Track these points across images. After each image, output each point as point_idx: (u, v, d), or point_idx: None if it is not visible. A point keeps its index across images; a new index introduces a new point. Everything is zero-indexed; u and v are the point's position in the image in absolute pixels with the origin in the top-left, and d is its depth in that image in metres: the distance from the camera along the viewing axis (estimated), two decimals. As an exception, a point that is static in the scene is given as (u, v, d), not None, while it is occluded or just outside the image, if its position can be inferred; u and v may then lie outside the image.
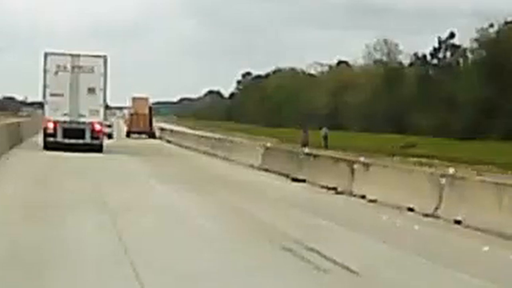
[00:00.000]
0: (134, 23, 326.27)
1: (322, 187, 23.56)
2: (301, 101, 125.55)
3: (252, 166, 32.40)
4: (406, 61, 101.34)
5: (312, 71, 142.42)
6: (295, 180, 26.22)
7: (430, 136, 79.16)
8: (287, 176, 27.49)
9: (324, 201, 21.00)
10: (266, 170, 30.39)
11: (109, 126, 55.65)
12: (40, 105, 43.52)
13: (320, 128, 70.99)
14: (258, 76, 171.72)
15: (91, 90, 38.21)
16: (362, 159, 22.03)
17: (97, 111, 38.38)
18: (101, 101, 38.75)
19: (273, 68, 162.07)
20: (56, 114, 38.02)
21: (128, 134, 64.62)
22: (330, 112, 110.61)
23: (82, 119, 38.13)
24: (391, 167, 20.65)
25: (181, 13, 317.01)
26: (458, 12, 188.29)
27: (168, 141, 58.53)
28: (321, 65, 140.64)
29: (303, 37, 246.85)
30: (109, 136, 52.87)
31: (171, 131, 64.35)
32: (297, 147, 48.08)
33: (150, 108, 65.32)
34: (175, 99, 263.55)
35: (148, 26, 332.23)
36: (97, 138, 38.26)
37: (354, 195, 21.28)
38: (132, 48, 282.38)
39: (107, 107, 41.47)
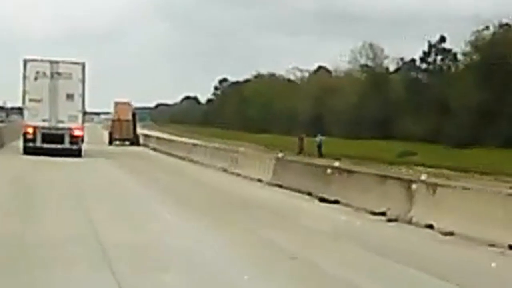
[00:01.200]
0: (109, 28, 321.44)
1: (364, 211, 18.76)
2: (282, 107, 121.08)
3: (260, 180, 27.55)
4: (391, 66, 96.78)
5: (292, 77, 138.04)
6: (323, 200, 21.38)
7: (419, 142, 74.63)
8: (309, 194, 22.68)
9: (381, 233, 16.11)
10: (280, 186, 25.53)
11: None
12: (19, 110, 44.51)
13: (315, 136, 66.19)
14: (236, 82, 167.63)
15: (70, 96, 38.55)
16: (423, 177, 17.14)
17: (76, 117, 38.80)
18: (80, 107, 39.08)
19: (250, 73, 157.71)
20: (35, 119, 38.17)
21: (110, 141, 59.49)
22: (314, 118, 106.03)
23: (61, 125, 38.47)
24: (473, 190, 15.69)
25: (154, 18, 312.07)
26: (427, 18, 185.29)
27: (154, 149, 53.51)
28: (301, 70, 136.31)
29: (276, 42, 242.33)
30: None
31: (157, 138, 59.13)
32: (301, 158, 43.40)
33: (133, 114, 60.18)
34: (151, 105, 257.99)
35: (123, 31, 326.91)
36: (76, 143, 38.51)
37: (415, 224, 16.49)
38: (107, 53, 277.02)
39: (84, 113, 41.31)
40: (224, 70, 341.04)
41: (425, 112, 79.58)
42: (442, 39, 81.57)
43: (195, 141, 45.98)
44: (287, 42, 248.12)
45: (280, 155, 27.72)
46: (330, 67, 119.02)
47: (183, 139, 56.27)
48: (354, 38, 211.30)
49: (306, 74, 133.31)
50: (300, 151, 64.25)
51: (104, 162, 38.37)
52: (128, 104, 60.93)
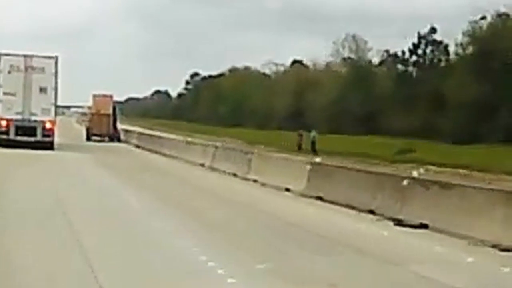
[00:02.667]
0: (80, 26, 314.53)
1: (475, 241, 12.89)
2: (257, 101, 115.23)
3: (290, 190, 21.57)
4: (375, 59, 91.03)
5: (267, 71, 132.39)
6: (400, 223, 15.45)
7: (410, 138, 68.91)
8: (371, 212, 16.80)
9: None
10: (320, 198, 19.60)
11: None
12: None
13: (310, 131, 60.22)
14: (209, 76, 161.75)
15: (43, 90, 38.47)
16: None
17: (49, 110, 38.63)
18: (53, 100, 38.95)
19: (224, 68, 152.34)
20: (9, 112, 37.96)
21: (88, 137, 53.11)
22: (293, 112, 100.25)
23: (34, 118, 38.22)
24: None
25: (125, 17, 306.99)
26: (391, 18, 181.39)
27: (137, 146, 47.25)
28: (276, 64, 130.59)
29: (245, 39, 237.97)
30: None
31: (140, 134, 52.58)
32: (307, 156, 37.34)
33: (114, 107, 53.74)
34: (121, 99, 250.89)
35: (94, 30, 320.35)
36: (48, 135, 38.24)
37: None
38: (78, 50, 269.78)
39: (56, 106, 40.60)
40: (195, 66, 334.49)
41: (416, 106, 73.90)
42: (433, 30, 75.89)
43: (188, 138, 39.71)
44: (255, 39, 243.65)
45: (317, 159, 21.64)
46: (306, 61, 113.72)
47: (172, 136, 49.78)
48: (318, 34, 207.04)
49: (281, 68, 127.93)
50: (299, 147, 58.20)
51: (88, 164, 32.31)
52: (109, 96, 54.49)
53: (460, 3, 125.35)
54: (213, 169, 29.65)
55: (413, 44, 76.81)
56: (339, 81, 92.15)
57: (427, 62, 75.88)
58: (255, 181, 24.65)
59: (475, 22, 66.22)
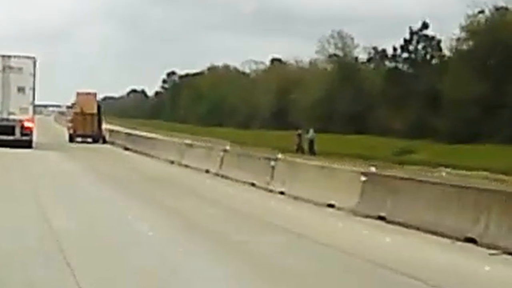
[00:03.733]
0: (58, 29, 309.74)
1: None
2: (238, 100, 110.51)
3: (335, 207, 16.99)
4: (362, 56, 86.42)
5: (246, 70, 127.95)
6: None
7: (402, 137, 64.59)
8: (469, 241, 12.25)
9: None
10: (382, 219, 15.05)
11: None
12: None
13: (307, 131, 55.43)
14: (187, 75, 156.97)
15: (21, 89, 38.25)
16: None
17: (27, 109, 38.34)
18: (31, 100, 38.62)
19: (203, 66, 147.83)
20: None
21: (71, 138, 48.07)
22: (277, 111, 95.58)
23: (12, 117, 37.91)
24: None
25: (103, 19, 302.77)
26: (353, 19, 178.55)
27: (126, 148, 42.30)
28: (256, 63, 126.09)
29: (219, 41, 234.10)
30: None
31: (128, 134, 47.36)
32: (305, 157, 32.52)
33: (99, 106, 48.71)
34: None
35: (71, 32, 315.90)
36: (26, 134, 37.84)
37: None
38: (56, 51, 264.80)
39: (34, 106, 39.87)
40: (171, 66, 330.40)
41: (409, 105, 69.46)
42: (425, 25, 71.37)
43: (186, 140, 34.83)
44: (230, 40, 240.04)
45: (372, 169, 16.95)
46: (288, 59, 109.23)
47: (166, 137, 44.67)
48: (292, 36, 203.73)
49: (261, 67, 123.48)
50: (298, 149, 53.36)
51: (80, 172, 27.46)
52: (93, 94, 49.39)
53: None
54: (222, 177, 24.93)
55: (405, 40, 72.25)
56: (325, 79, 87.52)
57: (419, 58, 71.25)
58: (281, 193, 19.98)
59: (474, 16, 61.78)
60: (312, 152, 51.52)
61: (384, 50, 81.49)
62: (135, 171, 28.26)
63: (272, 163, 21.24)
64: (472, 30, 61.88)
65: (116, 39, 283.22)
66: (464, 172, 35.20)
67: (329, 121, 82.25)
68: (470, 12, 62.46)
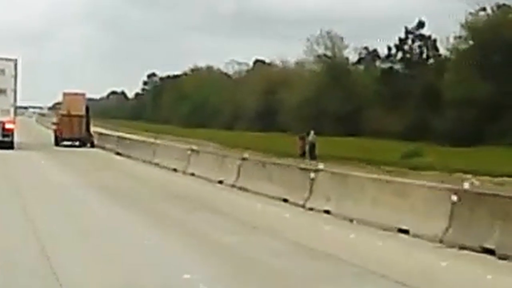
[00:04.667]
0: (39, 30, 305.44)
1: None
2: (222, 101, 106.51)
3: (405, 232, 13.11)
4: (351, 57, 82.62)
5: (230, 70, 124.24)
6: None
7: (397, 139, 60.79)
8: None
9: None
10: (489, 252, 11.17)
11: None
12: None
13: (308, 134, 51.37)
14: (168, 77, 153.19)
15: (3, 91, 37.67)
16: None
17: (8, 111, 37.82)
18: (12, 101, 38.08)
19: (186, 67, 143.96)
20: None
21: (57, 142, 43.74)
22: (264, 112, 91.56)
23: None
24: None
25: (82, 21, 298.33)
26: (334, 20, 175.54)
27: (118, 153, 38.06)
28: (239, 63, 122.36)
29: (200, 42, 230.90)
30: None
31: (120, 138, 42.95)
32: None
33: (87, 108, 44.39)
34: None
35: (52, 34, 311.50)
36: (7, 135, 37.31)
37: None
38: (37, 53, 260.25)
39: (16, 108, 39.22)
40: (150, 67, 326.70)
41: (404, 106, 65.76)
42: (421, 24, 67.66)
43: (193, 146, 30.59)
44: (209, 42, 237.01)
45: (466, 185, 12.95)
46: (271, 60, 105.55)
47: (167, 142, 40.12)
48: (271, 37, 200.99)
49: (244, 68, 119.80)
50: (303, 153, 49.21)
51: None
52: (82, 95, 44.95)
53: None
54: (241, 189, 20.89)
55: (400, 39, 68.50)
56: (313, 80, 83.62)
57: (415, 58, 67.50)
58: (326, 212, 16.03)
59: (475, 13, 58.10)
60: (312, 156, 47.48)
61: (375, 50, 78.02)
62: (139, 182, 24.12)
63: (312, 174, 17.23)
64: (473, 28, 58.19)
65: (97, 40, 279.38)
66: (496, 179, 31.43)
67: (317, 123, 78.03)
68: (471, 10, 58.79)
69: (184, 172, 26.23)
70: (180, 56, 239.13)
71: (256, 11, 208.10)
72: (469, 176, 34.80)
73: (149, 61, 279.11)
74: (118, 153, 37.83)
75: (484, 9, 57.99)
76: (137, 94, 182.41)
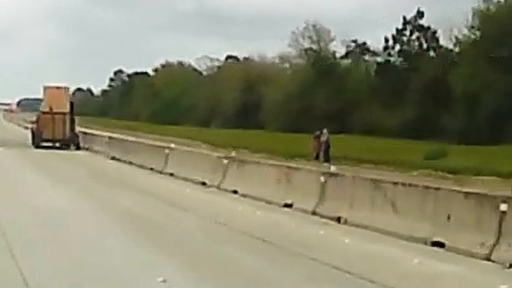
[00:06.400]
0: (1, 30, 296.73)
1: None
2: (198, 96, 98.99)
3: None
4: (338, 50, 75.42)
5: (202, 67, 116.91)
6: None
7: (398, 137, 53.99)
8: None
9: None
10: None
11: None
12: None
13: (321, 132, 43.97)
14: (136, 73, 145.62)
15: None
16: None
17: None
18: None
19: (156, 63, 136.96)
20: None
21: (37, 143, 35.86)
22: (243, 109, 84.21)
23: None
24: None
25: (44, 20, 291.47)
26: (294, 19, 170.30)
27: (113, 158, 30.39)
28: (211, 59, 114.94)
29: (164, 41, 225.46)
30: None
31: (111, 139, 35.02)
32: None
33: (71, 104, 36.62)
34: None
35: (15, 33, 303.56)
36: None
37: None
38: (1, 53, 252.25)
39: None
40: (116, 65, 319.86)
41: (404, 102, 58.94)
42: (420, 14, 60.76)
43: (232, 153, 23.01)
44: (175, 40, 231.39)
45: None
46: (254, 56, 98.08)
47: (168, 143, 32.01)
48: (230, 36, 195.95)
49: (216, 64, 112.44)
50: (318, 155, 41.87)
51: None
52: (65, 89, 37.05)
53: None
54: (346, 223, 13.59)
55: (397, 30, 61.54)
56: (297, 75, 76.48)
57: (413, 50, 60.61)
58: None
59: (486, 2, 51.32)
60: (326, 157, 40.26)
61: (365, 43, 71.08)
62: (176, 208, 16.60)
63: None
64: (484, 16, 51.44)
65: (61, 40, 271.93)
66: None
67: (302, 120, 70.65)
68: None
69: (226, 190, 18.68)
70: (145, 54, 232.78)
71: (216, 10, 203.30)
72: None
73: (114, 60, 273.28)
74: (113, 158, 30.20)
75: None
76: (103, 91, 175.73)
